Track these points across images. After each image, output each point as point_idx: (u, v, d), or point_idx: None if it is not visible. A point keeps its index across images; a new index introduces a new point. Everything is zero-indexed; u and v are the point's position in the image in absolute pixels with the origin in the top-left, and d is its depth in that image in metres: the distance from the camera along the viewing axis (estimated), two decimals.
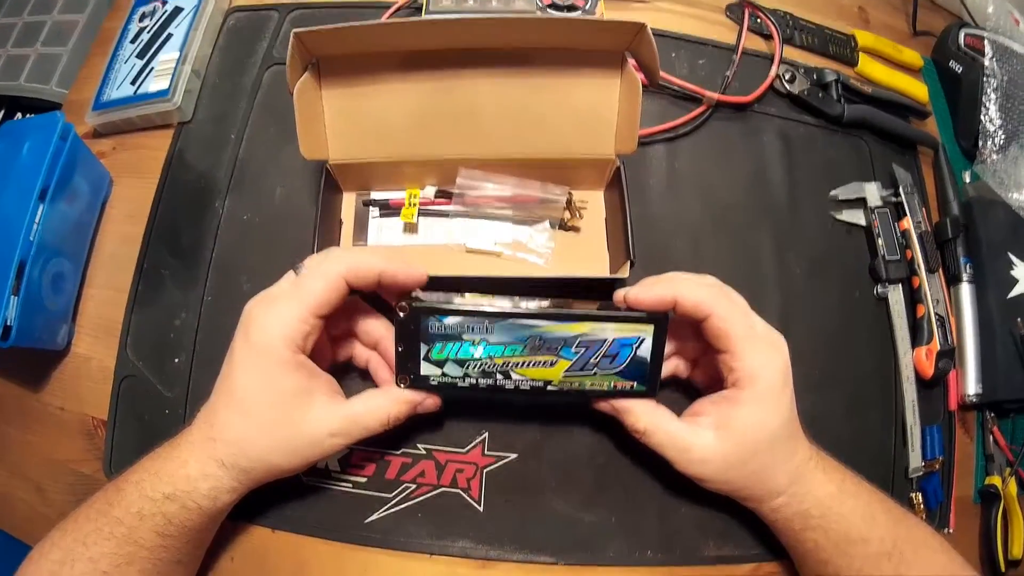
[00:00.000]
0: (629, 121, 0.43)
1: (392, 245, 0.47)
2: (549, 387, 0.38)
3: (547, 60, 0.43)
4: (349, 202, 0.48)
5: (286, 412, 0.35)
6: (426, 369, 0.38)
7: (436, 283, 0.39)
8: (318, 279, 0.35)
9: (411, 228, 0.47)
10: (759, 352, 0.37)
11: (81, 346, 0.48)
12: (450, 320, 0.37)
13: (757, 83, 0.55)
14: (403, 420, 0.38)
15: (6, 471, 0.47)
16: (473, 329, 0.37)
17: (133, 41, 0.54)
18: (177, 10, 0.54)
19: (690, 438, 0.38)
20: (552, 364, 0.38)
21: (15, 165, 0.45)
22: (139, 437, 0.45)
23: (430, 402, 0.39)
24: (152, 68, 0.52)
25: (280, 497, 0.43)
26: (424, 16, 0.50)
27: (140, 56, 0.53)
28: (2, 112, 0.69)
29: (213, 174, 0.51)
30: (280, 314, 0.35)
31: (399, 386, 0.38)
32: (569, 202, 0.47)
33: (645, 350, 0.38)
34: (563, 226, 0.48)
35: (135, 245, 0.49)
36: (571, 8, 0.52)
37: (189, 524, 0.36)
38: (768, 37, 0.58)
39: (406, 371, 0.38)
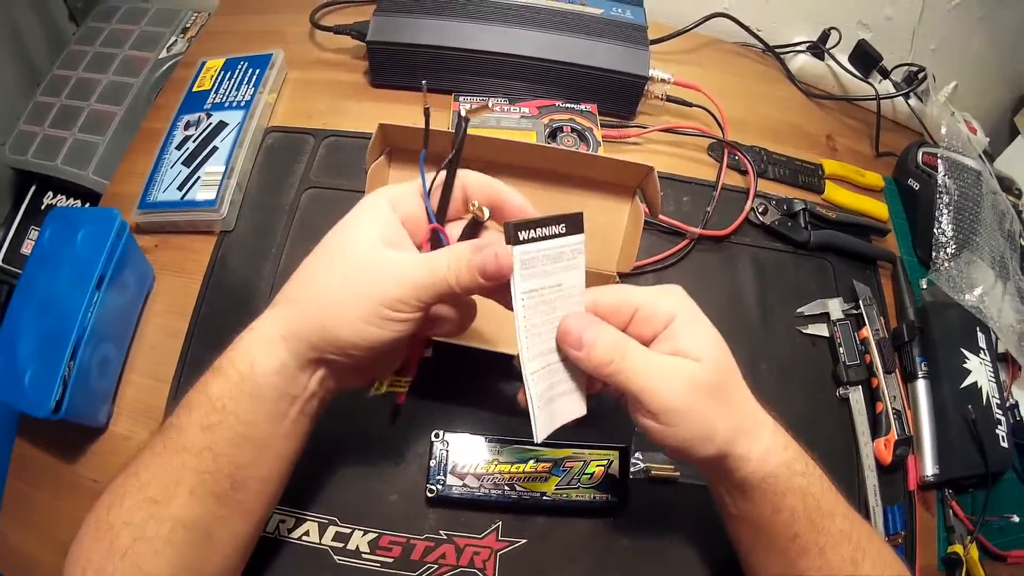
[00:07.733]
0: (631, 244, 0.54)
1: None
2: (544, 498, 0.51)
3: (570, 182, 0.54)
4: None
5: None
6: (451, 480, 0.51)
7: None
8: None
9: None
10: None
11: (120, 426, 0.55)
12: (472, 443, 0.52)
13: (735, 214, 0.66)
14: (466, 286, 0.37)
15: (34, 535, 0.52)
16: (489, 451, 0.52)
17: (179, 148, 0.63)
18: (222, 124, 0.63)
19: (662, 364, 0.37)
20: (546, 479, 0.52)
21: (70, 252, 0.52)
22: None
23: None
24: (199, 177, 0.61)
25: None
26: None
27: (186, 164, 0.62)
28: (33, 188, 0.77)
29: (255, 282, 0.59)
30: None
31: (427, 495, 0.50)
32: None
33: (615, 469, 0.53)
34: None
35: (178, 338, 0.57)
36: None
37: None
38: (745, 172, 0.69)
39: (436, 481, 0.51)
